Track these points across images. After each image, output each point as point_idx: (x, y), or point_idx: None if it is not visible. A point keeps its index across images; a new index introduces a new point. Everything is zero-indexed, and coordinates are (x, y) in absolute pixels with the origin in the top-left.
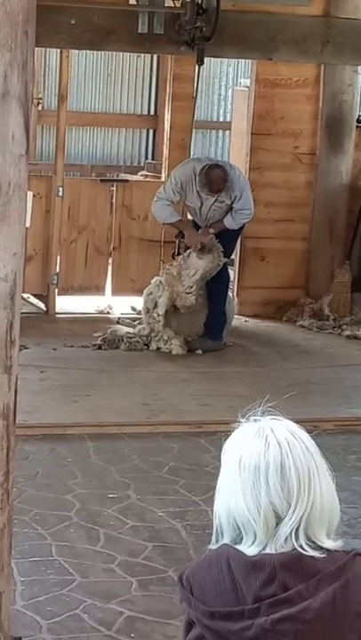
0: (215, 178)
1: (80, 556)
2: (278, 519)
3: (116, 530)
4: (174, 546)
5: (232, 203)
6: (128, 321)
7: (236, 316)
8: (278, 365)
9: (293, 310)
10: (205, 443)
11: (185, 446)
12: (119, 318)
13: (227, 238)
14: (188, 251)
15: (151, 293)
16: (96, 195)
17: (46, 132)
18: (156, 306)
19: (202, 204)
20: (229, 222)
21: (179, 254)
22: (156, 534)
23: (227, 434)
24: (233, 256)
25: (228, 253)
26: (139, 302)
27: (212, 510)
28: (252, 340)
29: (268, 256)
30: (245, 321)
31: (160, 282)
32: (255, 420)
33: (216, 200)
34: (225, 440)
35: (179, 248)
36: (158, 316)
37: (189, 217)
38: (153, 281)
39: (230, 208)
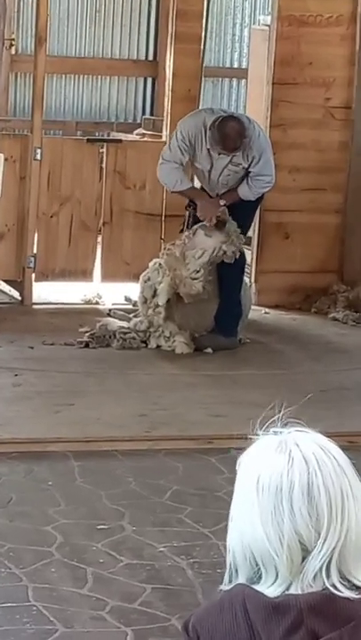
0: (231, 132)
1: (63, 600)
2: (305, 552)
3: (108, 569)
4: (178, 588)
5: (249, 166)
6: (122, 313)
7: (253, 307)
8: (306, 367)
9: (324, 300)
10: (216, 462)
11: (191, 466)
12: (111, 310)
13: (242, 212)
14: (195, 227)
15: (149, 279)
16: (82, 158)
17: (21, 80)
18: (155, 294)
19: (212, 167)
20: (245, 192)
21: (187, 228)
22: (157, 574)
23: (242, 451)
24: (250, 233)
25: (243, 231)
26: (134, 290)
27: (224, 544)
28: (274, 335)
29: (293, 233)
30: (265, 313)
31: (160, 265)
32: (276, 432)
33: (230, 162)
34: (240, 457)
35: (188, 223)
36: (158, 306)
37: (197, 184)
38: (151, 264)
39: (246, 173)
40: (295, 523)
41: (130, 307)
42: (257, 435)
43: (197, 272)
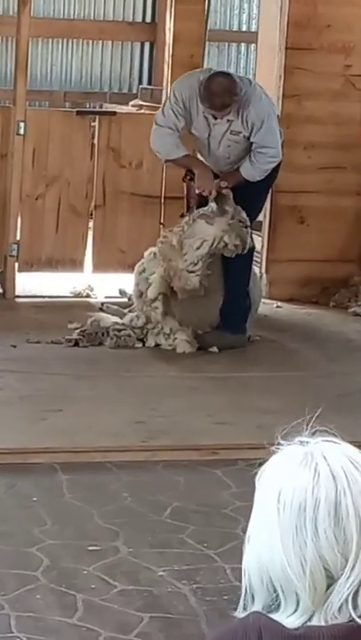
0: (217, 88)
1: (50, 631)
2: (330, 579)
3: (100, 595)
4: (180, 617)
5: (250, 135)
6: (115, 308)
7: (264, 301)
8: (324, 368)
9: (344, 292)
10: (223, 475)
11: (194, 480)
12: (103, 304)
13: (250, 195)
14: (196, 212)
15: (144, 270)
16: (71, 133)
17: (2, 45)
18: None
19: (210, 134)
20: (247, 170)
21: (188, 211)
22: (155, 601)
23: (251, 462)
24: (260, 217)
25: (252, 217)
26: (130, 282)
27: (231, 568)
28: (287, 332)
29: (308, 217)
30: (277, 307)
31: (154, 254)
32: (301, 443)
33: (229, 129)
34: (255, 470)
35: (188, 203)
36: (153, 301)
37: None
38: (147, 253)
39: (250, 148)
40: (320, 546)
41: (125, 300)
42: (278, 444)
43: (195, 264)
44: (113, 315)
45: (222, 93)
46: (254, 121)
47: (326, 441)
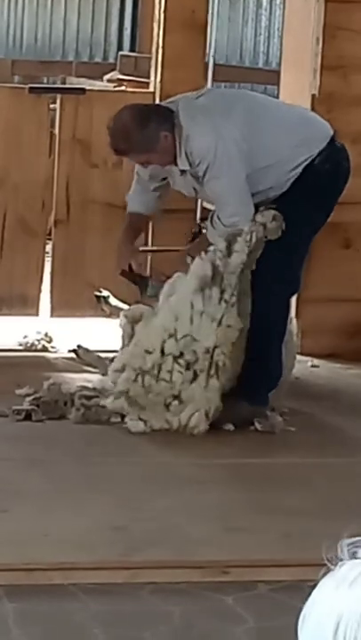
0: (113, 127)
1: None
2: None
3: None
4: None
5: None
6: (96, 355)
7: (296, 357)
8: None
9: None
10: (234, 603)
11: (195, 611)
12: (79, 346)
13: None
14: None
15: (130, 319)
16: (21, 118)
17: None
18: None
19: (172, 175)
20: (210, 232)
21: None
22: None
23: (276, 586)
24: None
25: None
26: (104, 330)
27: None
28: (327, 402)
29: (357, 239)
30: (313, 366)
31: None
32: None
33: (186, 174)
34: (304, 598)
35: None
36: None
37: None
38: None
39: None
40: None
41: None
42: (333, 561)
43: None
44: (90, 365)
45: (115, 135)
46: (193, 158)
47: None
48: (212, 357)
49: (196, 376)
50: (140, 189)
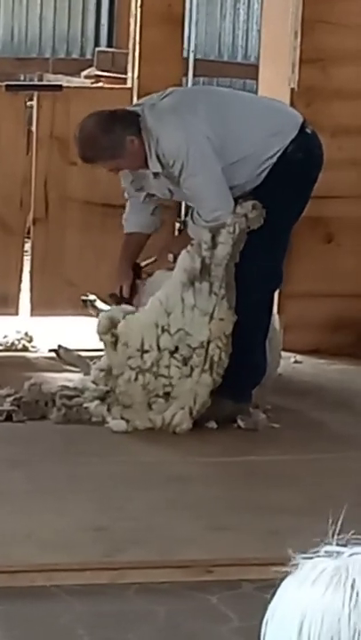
0: (79, 135)
1: None
2: None
3: None
4: None
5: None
6: (77, 355)
7: (281, 355)
8: (360, 449)
9: None
10: (219, 602)
11: (179, 611)
12: (60, 346)
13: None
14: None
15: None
16: None
17: None
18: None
19: (145, 178)
20: (192, 228)
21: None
22: None
23: (261, 584)
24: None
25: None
26: (84, 328)
27: None
28: (310, 398)
29: (339, 233)
30: (296, 361)
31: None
32: (329, 554)
33: (158, 176)
34: (266, 595)
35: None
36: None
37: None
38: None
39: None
40: None
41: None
42: (296, 558)
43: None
44: (71, 365)
45: (82, 143)
46: (167, 159)
47: None
48: (206, 352)
49: (192, 371)
50: (134, 209)
